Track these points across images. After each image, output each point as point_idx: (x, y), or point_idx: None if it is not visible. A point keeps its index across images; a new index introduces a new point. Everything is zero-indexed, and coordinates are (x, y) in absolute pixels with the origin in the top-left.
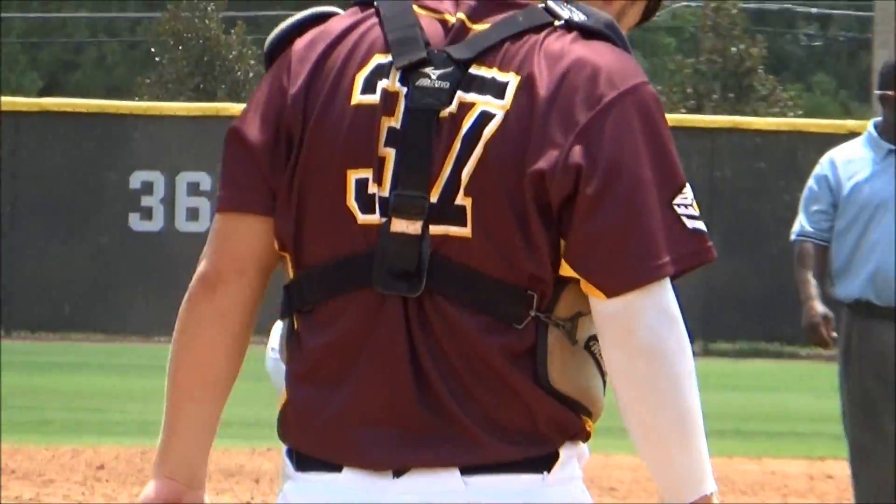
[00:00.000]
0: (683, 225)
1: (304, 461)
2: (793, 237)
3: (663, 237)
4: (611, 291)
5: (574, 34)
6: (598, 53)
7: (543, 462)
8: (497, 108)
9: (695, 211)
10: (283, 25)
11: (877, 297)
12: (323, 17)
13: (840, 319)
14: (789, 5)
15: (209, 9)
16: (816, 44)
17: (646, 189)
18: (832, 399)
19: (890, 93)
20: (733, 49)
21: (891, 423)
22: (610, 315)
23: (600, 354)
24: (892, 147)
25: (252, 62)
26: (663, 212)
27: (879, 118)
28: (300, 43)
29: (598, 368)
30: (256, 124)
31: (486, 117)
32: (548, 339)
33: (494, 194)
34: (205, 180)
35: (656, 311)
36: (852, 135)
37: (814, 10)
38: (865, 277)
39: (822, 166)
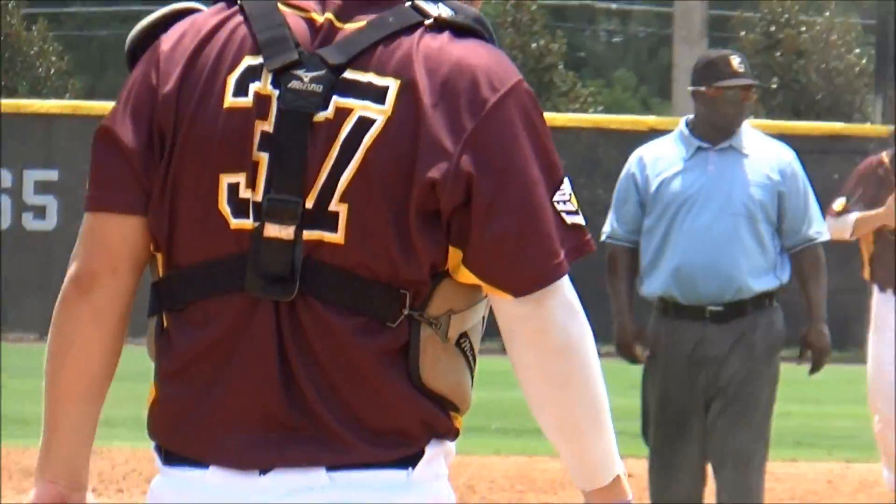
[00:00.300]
0: (564, 220)
1: (171, 456)
2: (602, 237)
3: (556, 234)
4: (520, 293)
5: (447, 34)
6: (475, 54)
7: (409, 460)
8: (377, 113)
9: (573, 205)
10: (145, 21)
11: (681, 294)
12: (186, 13)
13: (649, 319)
14: (589, 1)
15: (10, 5)
16: (616, 40)
17: (537, 189)
18: (630, 397)
19: (702, 88)
20: (533, 45)
21: (691, 429)
22: (521, 317)
23: (471, 351)
24: (702, 143)
25: (53, 58)
26: (552, 210)
27: (692, 115)
28: (167, 40)
29: (468, 365)
30: (129, 124)
31: (365, 123)
32: (420, 337)
33: (373, 201)
34: (6, 177)
35: (564, 307)
36: (652, 131)
37: (614, 5)
38: (669, 274)
39: (630, 164)
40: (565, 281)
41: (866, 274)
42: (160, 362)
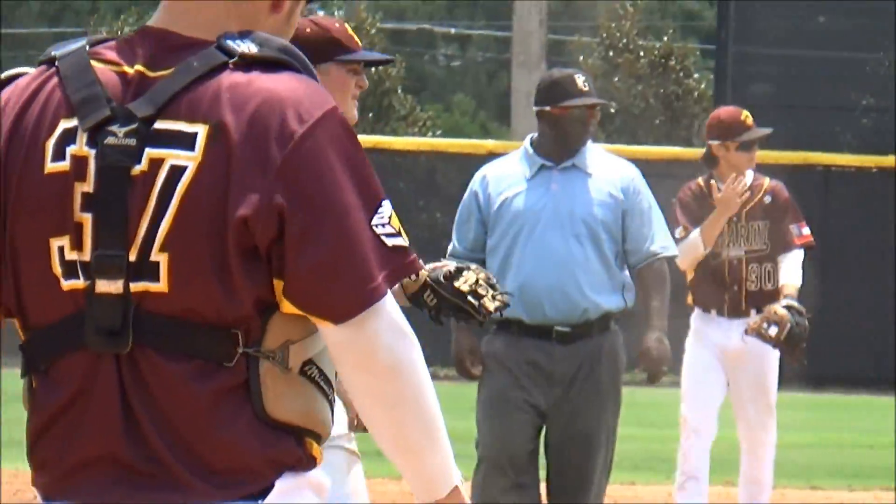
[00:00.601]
0: (383, 243)
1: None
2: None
3: (373, 258)
4: (338, 319)
5: (255, 69)
6: (283, 86)
7: (258, 495)
8: (188, 160)
9: (392, 227)
10: None
11: (526, 314)
12: (12, 79)
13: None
14: (428, 25)
15: None
16: (455, 64)
17: (352, 215)
18: (469, 419)
19: (547, 108)
20: (372, 69)
21: (521, 430)
22: (345, 342)
23: (319, 377)
24: (546, 162)
25: None
26: (369, 234)
27: (535, 134)
28: None
29: (320, 390)
30: None
31: (177, 171)
32: (259, 372)
33: (191, 246)
34: None
35: (388, 328)
36: (491, 155)
37: (453, 30)
38: (514, 294)
39: (474, 183)
40: (387, 303)
41: (689, 300)
42: (31, 418)
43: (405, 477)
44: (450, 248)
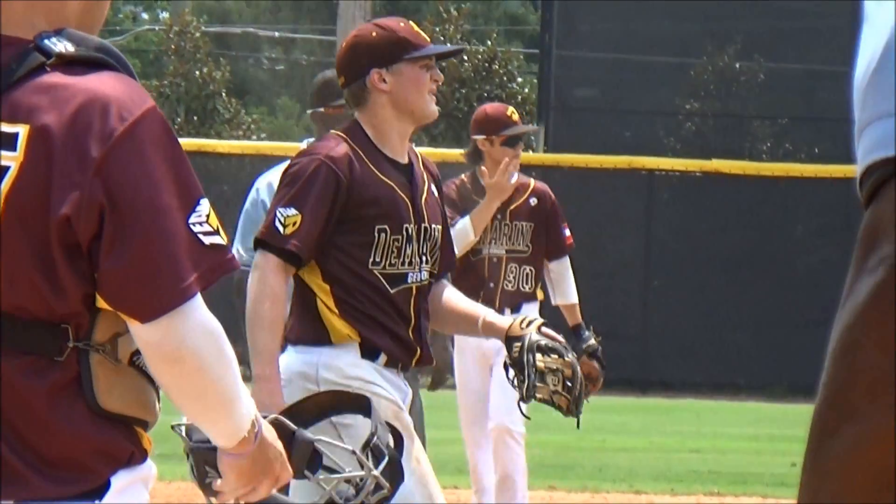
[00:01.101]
0: (201, 242)
1: None
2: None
3: (186, 258)
4: (145, 318)
5: (74, 69)
6: (103, 86)
7: (94, 493)
8: (10, 160)
9: (210, 226)
10: None
11: None
12: None
13: None
14: (252, 29)
15: None
16: (280, 67)
17: (166, 215)
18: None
19: (320, 109)
20: (197, 73)
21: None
22: (153, 342)
23: (146, 366)
24: None
25: None
26: (185, 233)
27: (311, 138)
28: None
29: (147, 379)
30: None
31: (1, 171)
32: (91, 365)
33: (17, 245)
34: None
35: (195, 330)
36: None
37: (276, 34)
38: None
39: (259, 192)
40: (196, 304)
41: None
42: None
43: (207, 434)
44: (236, 255)
